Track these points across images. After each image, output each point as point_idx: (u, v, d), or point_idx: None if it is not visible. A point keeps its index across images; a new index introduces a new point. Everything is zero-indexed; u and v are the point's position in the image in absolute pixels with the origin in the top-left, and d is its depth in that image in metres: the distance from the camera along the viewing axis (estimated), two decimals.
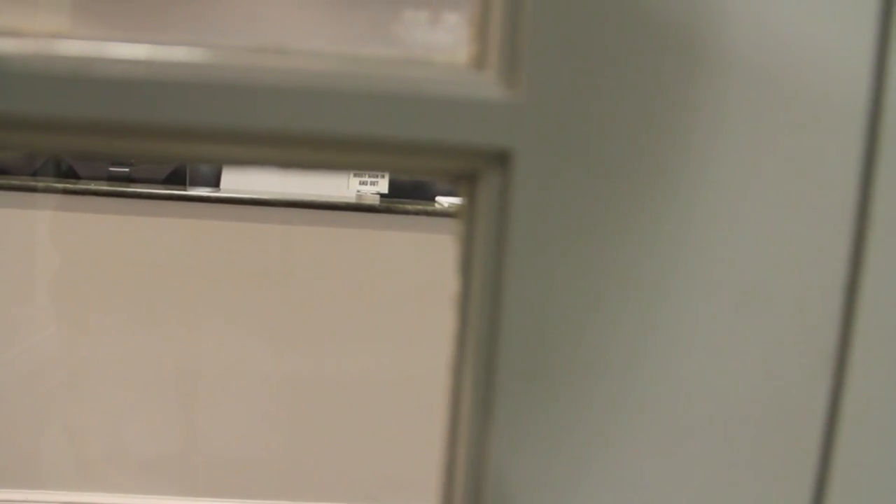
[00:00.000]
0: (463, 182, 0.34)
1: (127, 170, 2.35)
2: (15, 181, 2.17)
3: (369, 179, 2.44)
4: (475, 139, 0.32)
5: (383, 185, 2.45)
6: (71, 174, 2.36)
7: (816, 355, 0.35)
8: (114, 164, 2.35)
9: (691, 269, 0.33)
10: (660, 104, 0.32)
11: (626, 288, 0.34)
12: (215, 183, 3.01)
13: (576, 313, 0.34)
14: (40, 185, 2.17)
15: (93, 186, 2.18)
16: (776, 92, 0.32)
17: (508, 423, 0.34)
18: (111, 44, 0.31)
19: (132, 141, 0.32)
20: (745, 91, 0.32)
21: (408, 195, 2.57)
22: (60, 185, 2.17)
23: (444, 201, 2.47)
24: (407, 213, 2.29)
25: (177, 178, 2.43)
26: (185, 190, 2.31)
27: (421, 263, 2.28)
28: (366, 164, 0.33)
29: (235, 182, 2.78)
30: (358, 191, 2.45)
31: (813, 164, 0.33)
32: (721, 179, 0.33)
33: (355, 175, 2.42)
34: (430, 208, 2.32)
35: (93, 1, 2.93)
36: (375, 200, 2.39)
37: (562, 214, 0.33)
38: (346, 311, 2.26)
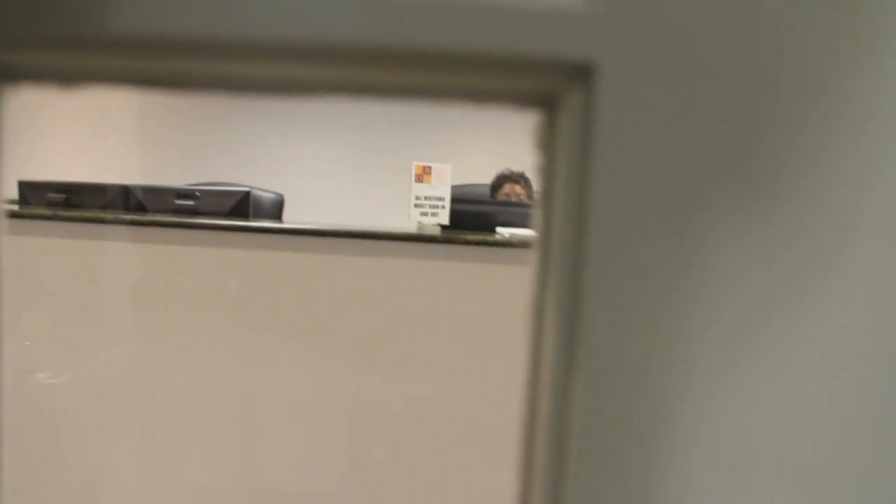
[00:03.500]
0: (544, 107, 0.33)
1: (192, 203, 2.39)
2: (87, 213, 2.23)
3: (430, 210, 2.44)
4: (556, 51, 0.30)
5: (444, 216, 2.45)
6: (139, 207, 2.41)
7: None
8: (179, 198, 2.39)
9: (790, 187, 0.31)
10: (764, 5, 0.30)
11: (719, 210, 0.31)
12: (277, 216, 3.05)
13: (666, 239, 0.31)
14: (109, 217, 2.22)
15: (159, 218, 2.22)
16: None
17: (594, 361, 0.32)
18: None
19: (199, 61, 0.31)
20: None
21: (468, 227, 2.56)
22: (129, 217, 2.22)
23: (505, 232, 2.46)
24: (468, 243, 2.27)
25: (239, 211, 2.47)
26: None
27: (483, 294, 2.26)
28: (443, 85, 0.32)
29: (297, 216, 2.81)
30: (419, 222, 2.44)
31: None
32: (819, 87, 0.30)
33: (416, 206, 2.42)
34: (490, 239, 2.30)
35: None
36: (436, 231, 2.38)
37: (650, 133, 0.30)
38: (407, 342, 2.25)
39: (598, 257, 0.31)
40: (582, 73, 0.30)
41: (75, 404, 2.19)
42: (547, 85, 0.31)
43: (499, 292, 2.20)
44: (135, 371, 2.20)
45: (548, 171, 0.33)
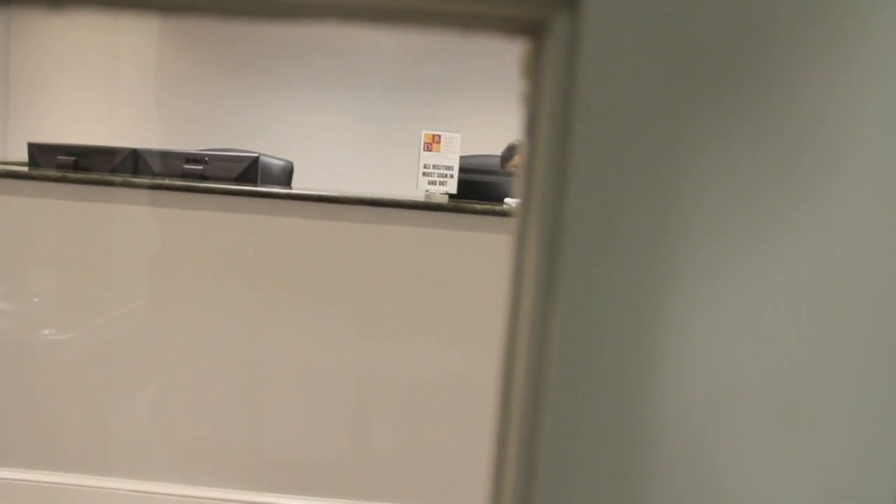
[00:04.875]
0: (531, 35, 0.33)
1: (201, 168, 2.40)
2: (96, 176, 2.23)
3: (438, 179, 2.44)
4: None
5: (452, 185, 2.44)
6: (147, 171, 2.42)
7: None
8: (188, 162, 2.40)
9: (777, 117, 0.31)
10: None
11: (705, 139, 0.31)
12: (286, 183, 3.05)
13: (650, 167, 0.31)
14: (118, 180, 2.23)
15: (168, 182, 2.23)
16: None
17: (573, 290, 0.32)
18: None
19: None
20: None
21: (476, 197, 2.55)
22: (137, 181, 2.23)
23: (513, 202, 2.45)
24: (475, 212, 2.27)
25: (248, 177, 2.47)
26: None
27: (489, 263, 2.26)
28: (431, 10, 0.32)
29: (306, 184, 2.82)
30: (427, 190, 2.44)
31: None
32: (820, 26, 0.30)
33: (424, 174, 2.42)
34: (497, 208, 2.30)
35: None
36: (443, 200, 2.38)
37: (636, 60, 0.30)
38: (413, 309, 2.25)
39: (580, 186, 0.31)
40: (568, 1, 0.30)
41: (78, 361, 2.21)
42: (533, 11, 0.31)
43: (505, 262, 2.20)
44: (139, 331, 2.22)
45: (533, 99, 0.33)
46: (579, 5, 0.30)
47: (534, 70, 0.33)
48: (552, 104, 0.32)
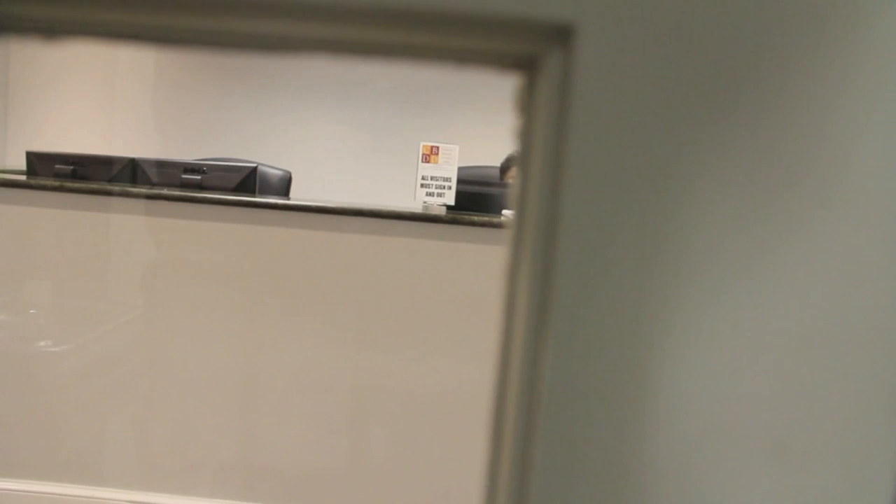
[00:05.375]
0: (524, 69, 0.33)
1: (199, 177, 2.40)
2: (94, 185, 2.23)
3: (436, 191, 2.44)
4: (536, 13, 0.30)
5: (450, 197, 2.45)
6: (146, 180, 2.42)
7: None
8: (186, 172, 2.40)
9: (769, 150, 0.31)
10: None
11: (697, 171, 0.31)
12: (285, 193, 3.05)
13: (641, 202, 0.31)
14: (116, 189, 2.23)
15: (166, 192, 2.23)
16: None
17: (565, 320, 0.32)
18: None
19: (182, 15, 0.31)
20: None
21: (474, 208, 2.56)
22: (135, 190, 2.23)
23: (510, 214, 2.45)
24: (473, 224, 2.27)
25: (246, 187, 2.47)
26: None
27: (486, 275, 2.26)
28: (424, 45, 0.32)
29: (304, 194, 2.82)
30: (424, 202, 2.44)
31: None
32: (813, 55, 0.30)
33: (422, 186, 2.42)
34: (495, 220, 2.30)
35: None
36: (441, 211, 2.38)
37: (628, 96, 0.30)
38: (410, 320, 2.25)
39: (573, 218, 0.31)
40: (561, 35, 0.30)
41: (75, 373, 2.21)
42: (527, 47, 0.31)
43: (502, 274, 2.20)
44: (136, 342, 2.22)
45: (526, 133, 0.33)
46: (572, 41, 0.30)
47: (527, 104, 0.33)
48: (545, 138, 0.32)
